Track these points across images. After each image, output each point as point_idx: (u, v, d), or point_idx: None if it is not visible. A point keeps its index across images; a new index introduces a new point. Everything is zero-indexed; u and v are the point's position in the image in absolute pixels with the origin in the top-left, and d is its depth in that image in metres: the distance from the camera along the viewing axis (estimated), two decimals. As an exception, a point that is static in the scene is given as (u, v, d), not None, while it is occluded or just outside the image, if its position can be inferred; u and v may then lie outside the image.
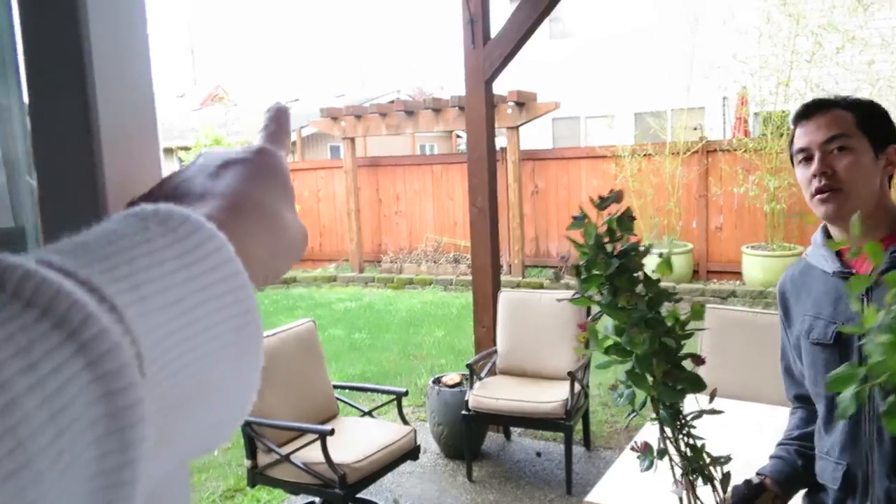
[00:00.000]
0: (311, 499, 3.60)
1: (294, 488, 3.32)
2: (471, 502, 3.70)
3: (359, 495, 3.50)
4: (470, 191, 4.66)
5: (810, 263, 1.51)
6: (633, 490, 2.15)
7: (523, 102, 9.51)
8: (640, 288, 1.19)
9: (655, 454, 1.30)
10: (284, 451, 3.23)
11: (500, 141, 9.75)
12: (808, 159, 1.41)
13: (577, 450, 4.16)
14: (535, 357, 4.20)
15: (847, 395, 0.84)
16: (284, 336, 3.63)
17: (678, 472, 1.30)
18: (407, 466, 3.95)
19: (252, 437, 3.32)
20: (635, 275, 1.19)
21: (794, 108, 9.50)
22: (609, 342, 1.20)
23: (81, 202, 0.56)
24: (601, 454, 4.19)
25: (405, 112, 10.25)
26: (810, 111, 1.43)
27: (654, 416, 1.26)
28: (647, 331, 1.18)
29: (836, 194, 1.37)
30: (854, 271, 1.38)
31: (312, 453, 3.17)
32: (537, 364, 4.19)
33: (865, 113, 1.40)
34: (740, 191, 8.47)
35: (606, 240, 1.16)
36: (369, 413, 3.79)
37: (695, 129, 10.18)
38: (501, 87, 9.83)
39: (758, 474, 1.57)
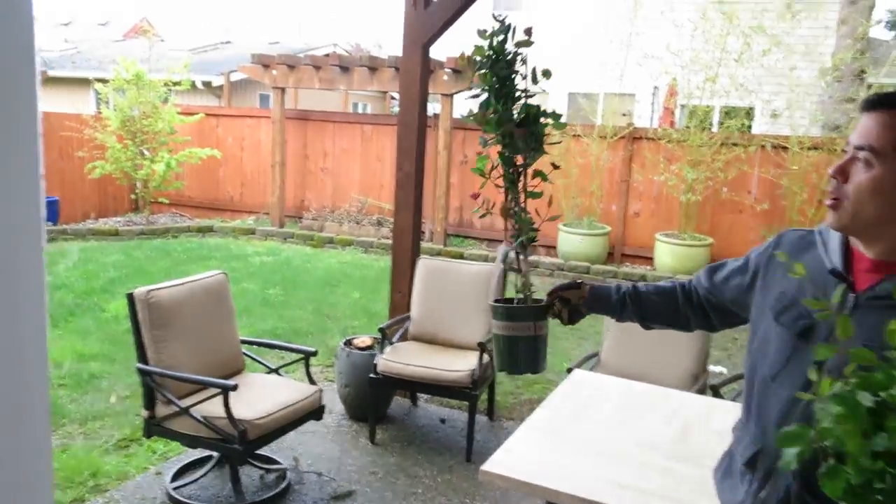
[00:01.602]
0: (208, 453, 3.54)
1: (192, 441, 3.25)
2: (371, 464, 3.73)
3: (258, 452, 3.47)
4: (398, 155, 4.61)
5: (815, 241, 1.43)
6: (528, 460, 2.21)
7: (460, 70, 9.45)
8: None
9: (489, 207, 1.80)
10: (185, 403, 3.15)
11: (435, 107, 9.68)
12: (845, 151, 1.32)
13: (481, 419, 4.25)
14: (447, 325, 4.24)
15: (792, 451, 0.89)
16: (193, 287, 3.52)
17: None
18: (310, 426, 3.93)
19: (152, 387, 3.23)
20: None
21: (718, 104, 9.82)
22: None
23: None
24: (503, 424, 4.29)
25: (340, 67, 10.02)
26: (872, 105, 1.29)
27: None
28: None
29: (839, 207, 1.31)
30: (851, 279, 1.34)
31: (213, 407, 3.11)
32: (449, 333, 4.23)
33: None
34: (660, 179, 8.74)
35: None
36: (276, 371, 3.74)
37: (624, 114, 10.39)
38: (440, 52, 9.73)
39: (587, 281, 1.86)
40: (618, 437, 2.39)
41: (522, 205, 1.81)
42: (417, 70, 4.49)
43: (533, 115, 1.78)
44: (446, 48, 10.15)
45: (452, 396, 4.05)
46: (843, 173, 1.30)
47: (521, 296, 1.84)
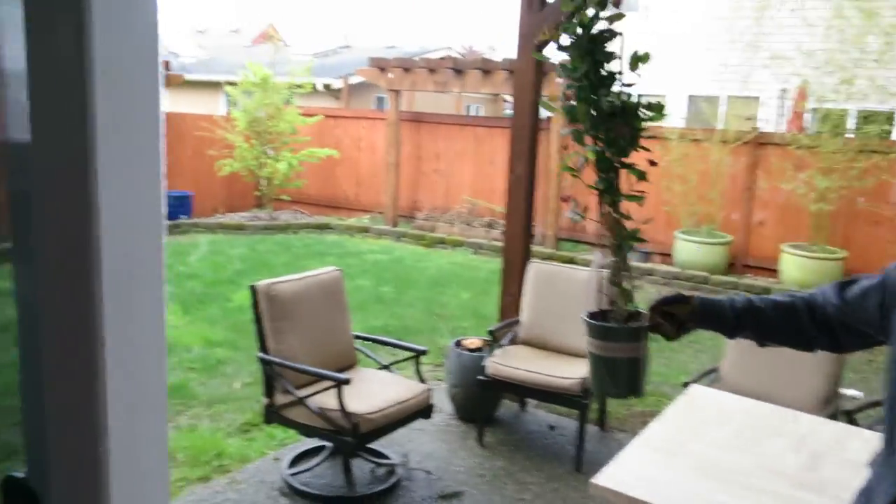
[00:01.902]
0: (322, 443, 3.67)
1: (307, 431, 3.38)
2: (478, 466, 3.74)
3: (370, 445, 3.57)
4: (511, 157, 4.60)
5: None
6: (640, 477, 2.14)
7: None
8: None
9: (580, 210, 1.74)
10: (301, 393, 3.28)
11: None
12: None
13: (591, 429, 4.16)
14: (558, 331, 4.19)
15: None
16: (310, 282, 3.67)
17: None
18: (419, 424, 3.99)
19: (271, 375, 3.38)
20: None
21: (854, 108, 9.16)
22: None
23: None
24: (615, 436, 4.19)
25: (454, 70, 10.13)
26: None
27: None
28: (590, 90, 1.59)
29: None
30: None
31: (328, 399, 3.22)
32: (560, 339, 4.18)
33: None
34: (788, 187, 8.24)
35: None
36: (387, 367, 3.82)
37: (748, 118, 9.89)
38: (556, 55, 9.65)
39: (694, 294, 1.73)
40: (738, 460, 2.28)
41: (619, 209, 1.66)
42: (531, 72, 4.47)
43: (631, 108, 1.60)
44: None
45: (562, 403, 4.00)
46: None
47: (618, 309, 1.69)
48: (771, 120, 12.85)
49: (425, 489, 3.49)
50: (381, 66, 10.78)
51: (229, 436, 3.96)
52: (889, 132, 8.80)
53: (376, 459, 3.69)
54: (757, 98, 12.78)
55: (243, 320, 5.88)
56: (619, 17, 1.59)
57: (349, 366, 3.74)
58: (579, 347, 4.02)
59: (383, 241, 10.32)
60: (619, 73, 1.61)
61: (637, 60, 1.58)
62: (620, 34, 1.60)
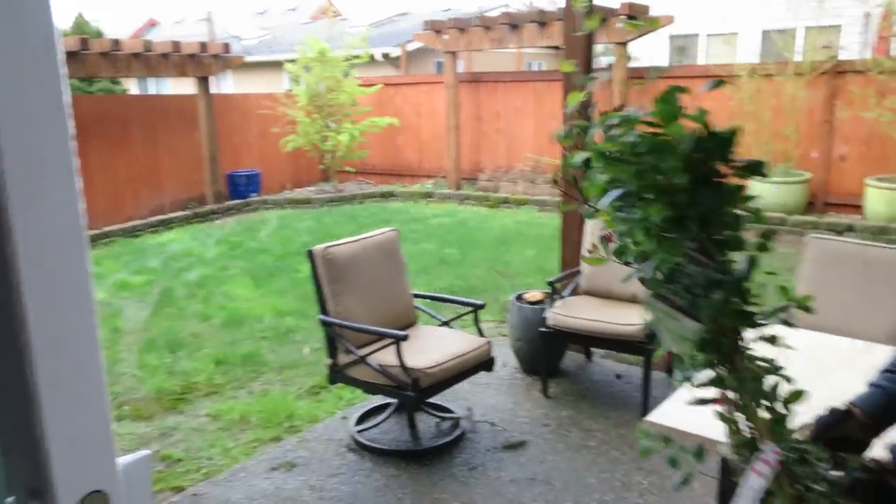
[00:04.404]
0: (387, 400, 3.73)
1: (371, 388, 3.43)
2: (543, 416, 3.72)
3: (434, 400, 3.60)
4: (564, 110, 4.47)
5: None
6: (696, 411, 2.07)
7: (634, 16, 8.97)
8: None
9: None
10: (362, 352, 3.33)
11: (610, 58, 9.30)
12: None
13: (658, 375, 4.07)
14: (620, 279, 4.08)
15: None
16: (366, 243, 3.69)
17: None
18: (483, 378, 4.01)
19: (333, 337, 3.44)
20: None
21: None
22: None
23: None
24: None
25: (510, 25, 9.91)
26: None
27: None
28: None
29: None
30: None
31: (388, 357, 3.26)
32: (622, 286, 4.07)
33: None
34: (871, 116, 7.72)
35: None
36: (447, 323, 3.83)
37: (826, 47, 9.28)
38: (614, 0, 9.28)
39: (848, 403, 1.38)
40: (805, 391, 2.16)
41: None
42: (581, 18, 4.30)
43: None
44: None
45: (627, 351, 3.92)
46: None
47: None
48: (852, 49, 12.04)
49: (490, 440, 3.50)
50: (436, 28, 10.67)
51: (299, 398, 4.08)
52: None
53: (440, 414, 3.72)
54: (838, 26, 11.98)
55: (311, 290, 6.03)
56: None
57: (409, 324, 3.77)
58: (641, 293, 3.92)
59: (447, 204, 10.32)
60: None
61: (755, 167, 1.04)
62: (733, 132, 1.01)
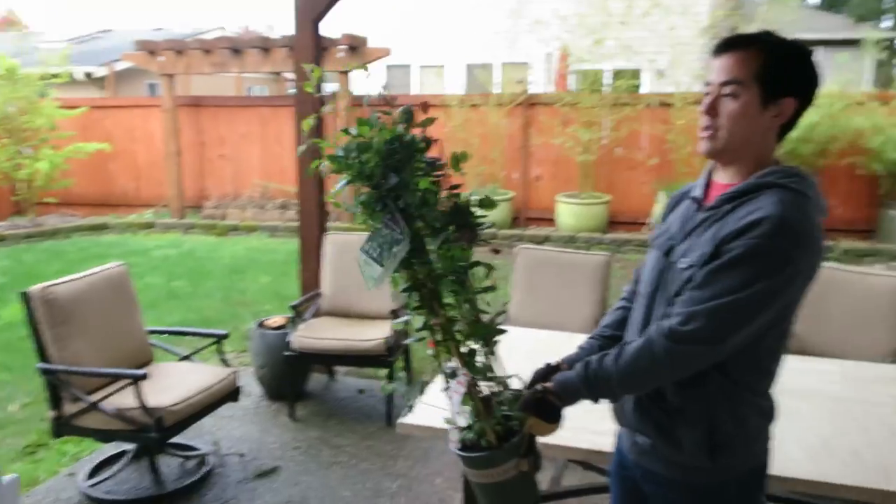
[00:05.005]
0: (124, 447, 3.46)
1: (105, 436, 3.17)
2: (293, 440, 3.75)
3: (176, 440, 3.43)
4: (297, 134, 4.58)
5: (693, 186, 1.63)
6: (444, 410, 2.30)
7: (355, 46, 9.38)
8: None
9: (448, 376, 1.56)
10: (94, 398, 3.07)
11: (334, 86, 9.59)
12: (707, 94, 1.50)
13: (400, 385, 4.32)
14: (359, 298, 4.28)
15: None
16: (93, 280, 3.41)
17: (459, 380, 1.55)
18: (228, 410, 3.92)
19: (57, 385, 3.12)
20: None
21: (607, 66, 10.13)
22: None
23: None
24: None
25: (231, 50, 9.73)
26: (722, 49, 1.48)
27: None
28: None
29: (714, 135, 1.48)
30: (703, 202, 1.55)
31: (125, 399, 3.05)
32: (361, 305, 4.28)
33: (772, 61, 1.43)
34: (558, 142, 9.01)
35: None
36: (188, 357, 3.68)
37: (519, 82, 10.60)
38: (334, 30, 9.61)
39: (558, 360, 1.71)
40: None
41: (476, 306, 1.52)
42: (311, 47, 4.46)
43: (464, 209, 1.48)
44: (339, 26, 10.02)
45: (369, 365, 4.12)
46: (714, 109, 1.48)
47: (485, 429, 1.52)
48: (540, 82, 13.87)
49: (240, 472, 3.44)
50: (150, 49, 10.04)
51: (12, 461, 3.60)
52: (637, 86, 9.89)
53: (184, 453, 3.56)
54: (526, 63, 13.67)
55: (14, 337, 5.32)
56: (431, 121, 1.47)
57: (145, 363, 3.55)
58: (382, 309, 4.16)
59: (171, 234, 9.75)
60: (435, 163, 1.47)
61: (457, 161, 1.48)
62: (437, 140, 1.49)
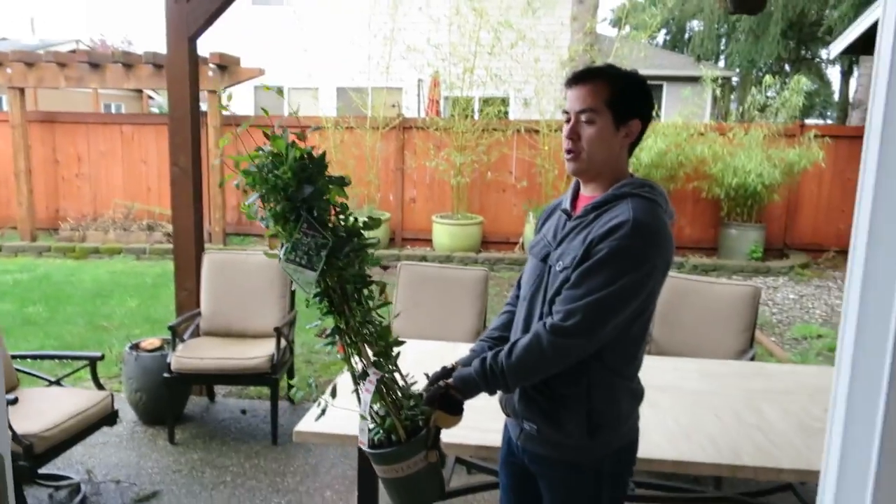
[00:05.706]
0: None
1: (-37, 469, 2.95)
2: (173, 463, 3.64)
3: (45, 470, 3.25)
4: (171, 150, 4.47)
5: (562, 200, 1.84)
6: (339, 417, 2.37)
7: (226, 66, 9.23)
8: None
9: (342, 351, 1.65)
10: (-50, 428, 2.86)
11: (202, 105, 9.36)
12: (567, 121, 1.70)
13: (283, 405, 4.30)
14: (241, 316, 4.24)
15: None
16: (-54, 302, 3.18)
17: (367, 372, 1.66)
18: (100, 437, 3.75)
19: None
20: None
21: (477, 94, 10.57)
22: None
23: None
24: (306, 407, 4.38)
25: (90, 64, 9.25)
26: (576, 80, 1.69)
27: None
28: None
29: (578, 157, 1.70)
30: (571, 213, 1.76)
31: (-12, 427, 2.86)
32: (243, 323, 4.24)
33: (619, 89, 1.66)
34: (432, 165, 9.27)
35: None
36: (58, 382, 3.50)
37: (393, 106, 10.81)
38: (203, 48, 9.39)
39: (454, 363, 1.86)
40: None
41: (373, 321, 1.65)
42: (185, 64, 4.40)
43: (356, 231, 1.63)
44: (210, 44, 9.84)
45: (253, 383, 4.08)
46: (575, 133, 1.70)
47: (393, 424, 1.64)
48: (413, 107, 14.18)
49: (117, 499, 3.29)
50: (-6, 59, 9.34)
51: None
52: (506, 113, 10.38)
53: (54, 483, 3.37)
54: (400, 88, 13.94)
55: None
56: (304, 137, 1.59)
57: (10, 389, 3.33)
58: (264, 327, 4.14)
59: (22, 258, 9.06)
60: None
61: (343, 182, 1.61)
62: (324, 154, 1.61)
